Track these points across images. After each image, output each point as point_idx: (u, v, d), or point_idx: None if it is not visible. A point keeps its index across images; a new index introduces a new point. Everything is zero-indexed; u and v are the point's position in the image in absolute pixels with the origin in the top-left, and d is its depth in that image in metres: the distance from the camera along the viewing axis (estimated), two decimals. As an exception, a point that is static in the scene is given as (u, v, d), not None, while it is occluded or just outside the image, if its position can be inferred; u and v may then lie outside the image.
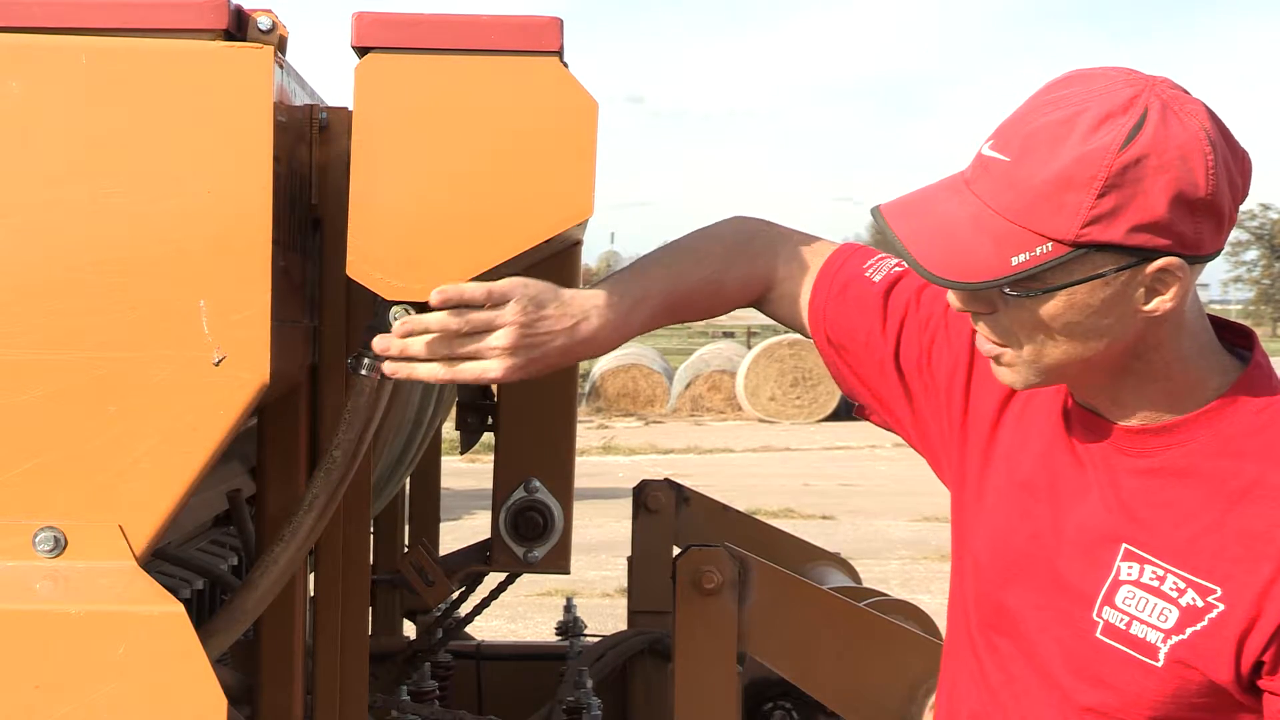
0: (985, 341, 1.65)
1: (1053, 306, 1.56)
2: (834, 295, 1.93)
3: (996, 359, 1.65)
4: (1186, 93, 1.57)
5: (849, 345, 1.92)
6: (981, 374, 1.81)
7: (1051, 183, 1.51)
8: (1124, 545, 1.64)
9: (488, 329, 1.81)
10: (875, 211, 1.62)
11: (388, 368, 1.85)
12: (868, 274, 1.92)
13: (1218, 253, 1.59)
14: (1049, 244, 1.52)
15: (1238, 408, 1.63)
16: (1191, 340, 1.64)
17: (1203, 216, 1.53)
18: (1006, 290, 1.56)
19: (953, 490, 1.86)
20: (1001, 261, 1.53)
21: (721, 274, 1.95)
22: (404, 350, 1.82)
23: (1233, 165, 1.56)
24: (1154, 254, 1.53)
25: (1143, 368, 1.63)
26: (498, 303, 1.81)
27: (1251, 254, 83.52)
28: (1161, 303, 1.56)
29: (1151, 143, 1.51)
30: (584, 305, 1.85)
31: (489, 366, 1.82)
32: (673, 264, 1.94)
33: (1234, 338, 1.71)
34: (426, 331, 1.81)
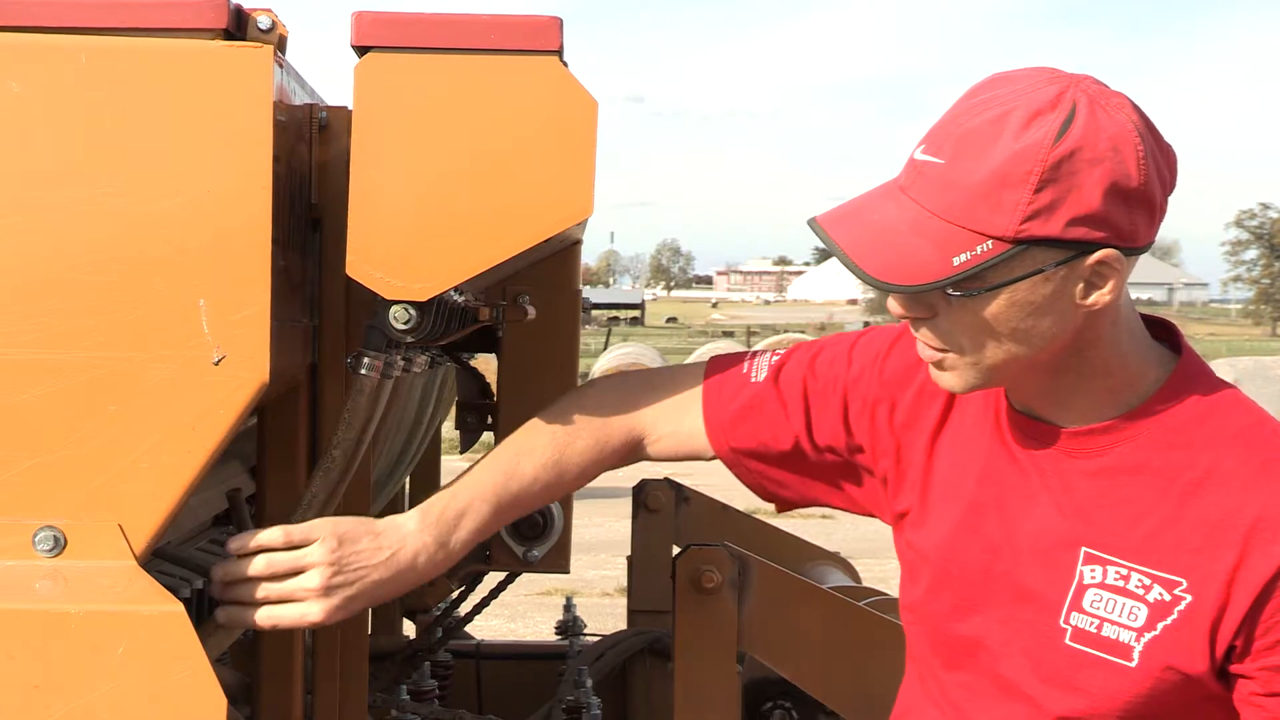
0: (925, 347, 1.65)
1: (995, 306, 1.57)
2: (728, 410, 1.93)
3: (938, 364, 1.66)
4: (1108, 87, 1.59)
5: (759, 449, 1.92)
6: (906, 412, 1.81)
7: (988, 181, 1.53)
8: (1083, 549, 1.65)
9: (297, 570, 1.82)
10: (812, 223, 1.61)
11: (219, 616, 1.86)
12: (752, 377, 1.93)
13: (1150, 245, 1.60)
14: (989, 242, 1.53)
15: (1179, 398, 1.65)
16: (1129, 335, 1.65)
17: (1137, 207, 1.55)
18: (950, 291, 1.57)
19: (895, 529, 1.86)
20: (943, 263, 1.54)
21: (561, 455, 1.93)
22: (226, 596, 1.84)
23: (1160, 158, 1.58)
24: (1092, 246, 1.54)
25: (1082, 364, 1.64)
26: (300, 544, 1.82)
27: (1251, 254, 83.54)
28: (1100, 296, 1.58)
29: (1083, 136, 1.52)
30: (399, 534, 1.86)
31: (307, 610, 1.83)
32: (499, 465, 1.93)
33: (1157, 330, 1.72)
34: (239, 578, 1.83)
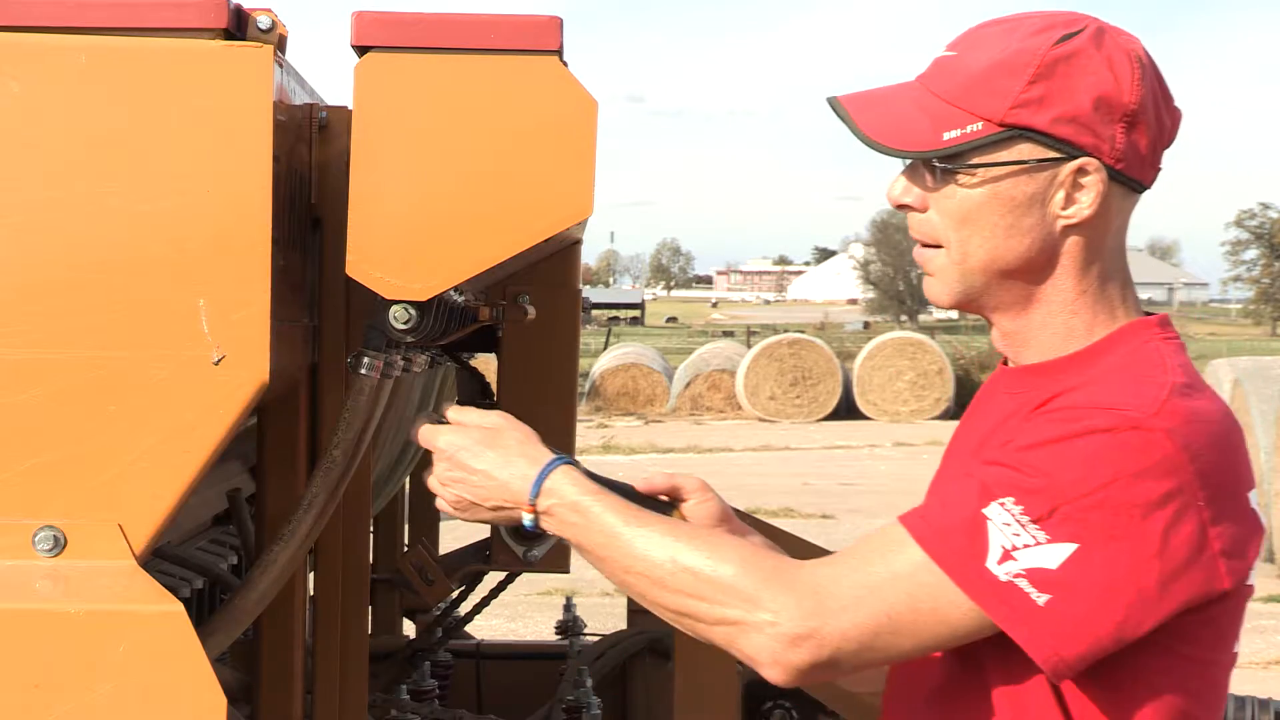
0: (919, 247, 1.72)
1: (979, 195, 1.64)
2: None
3: (927, 267, 1.71)
4: (1126, 30, 1.68)
5: None
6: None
7: (989, 68, 1.64)
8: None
9: None
10: (832, 99, 1.71)
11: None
12: None
13: (1142, 185, 1.66)
14: (979, 123, 1.63)
15: (1113, 348, 1.67)
16: (1106, 277, 1.68)
17: (1126, 126, 1.62)
18: (936, 164, 1.65)
19: None
20: (934, 136, 1.64)
21: None
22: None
23: (1161, 102, 1.66)
24: (1076, 152, 1.62)
25: (1057, 297, 1.67)
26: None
27: (1251, 253, 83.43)
28: (1079, 210, 1.63)
29: (1083, 46, 1.63)
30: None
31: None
32: None
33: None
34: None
